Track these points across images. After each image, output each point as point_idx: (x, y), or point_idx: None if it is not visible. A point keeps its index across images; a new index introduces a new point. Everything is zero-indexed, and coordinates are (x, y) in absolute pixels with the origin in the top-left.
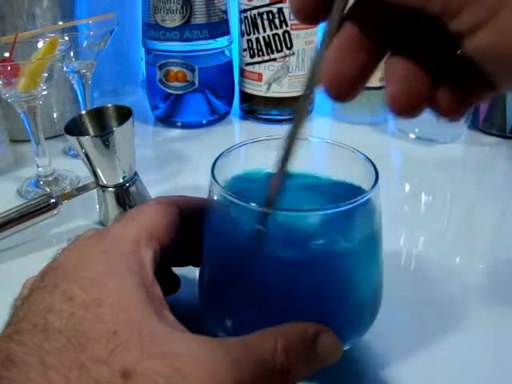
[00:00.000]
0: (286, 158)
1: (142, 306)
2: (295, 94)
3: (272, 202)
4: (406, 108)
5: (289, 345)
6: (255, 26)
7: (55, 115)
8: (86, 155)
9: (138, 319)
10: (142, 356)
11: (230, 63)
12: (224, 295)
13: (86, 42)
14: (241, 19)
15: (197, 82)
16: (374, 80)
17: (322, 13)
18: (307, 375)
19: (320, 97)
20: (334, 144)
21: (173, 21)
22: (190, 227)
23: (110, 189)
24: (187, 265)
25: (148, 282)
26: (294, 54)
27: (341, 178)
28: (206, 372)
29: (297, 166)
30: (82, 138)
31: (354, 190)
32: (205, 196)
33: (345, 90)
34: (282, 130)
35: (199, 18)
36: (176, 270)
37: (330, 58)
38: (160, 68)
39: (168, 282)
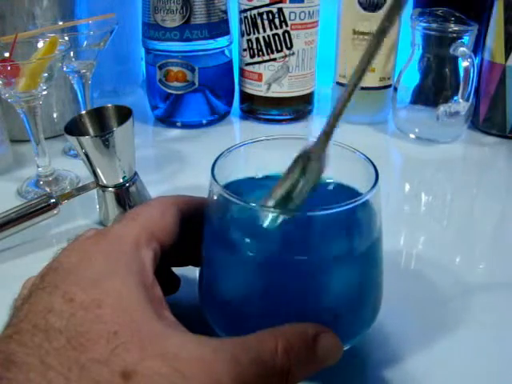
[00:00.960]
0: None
1: (142, 307)
2: (295, 94)
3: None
4: None
5: (289, 345)
6: (255, 25)
7: (55, 115)
8: (86, 155)
9: (138, 319)
10: (142, 356)
11: (230, 63)
12: (224, 295)
13: (85, 42)
14: (241, 19)
15: (197, 82)
16: (374, 80)
17: None
18: (307, 376)
19: (320, 97)
20: (334, 144)
21: (173, 21)
22: (190, 227)
23: (110, 189)
24: (187, 265)
25: (148, 282)
26: (293, 53)
27: (341, 179)
28: (205, 373)
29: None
30: (82, 138)
31: (352, 191)
32: (205, 196)
33: None
34: (282, 130)
35: (199, 17)
36: (176, 269)
37: None
38: (160, 68)
39: (168, 282)
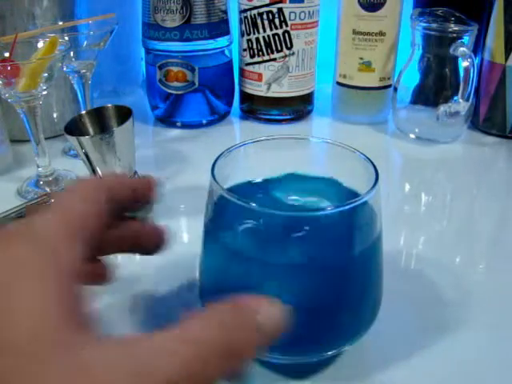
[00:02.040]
0: None
1: (54, 314)
2: (295, 94)
3: None
4: None
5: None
6: (255, 26)
7: (55, 115)
8: (86, 155)
9: (49, 327)
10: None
11: (230, 63)
12: (224, 296)
13: (85, 42)
14: (241, 19)
15: (197, 82)
16: (374, 80)
17: None
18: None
19: (320, 97)
20: (334, 144)
21: (173, 21)
22: (117, 213)
23: None
24: (123, 253)
25: (65, 284)
26: (293, 53)
27: (341, 179)
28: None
29: (297, 166)
30: (82, 138)
31: (352, 191)
32: (205, 196)
33: None
34: (282, 130)
35: (199, 17)
36: (176, 270)
37: None
38: (160, 68)
39: (95, 273)
